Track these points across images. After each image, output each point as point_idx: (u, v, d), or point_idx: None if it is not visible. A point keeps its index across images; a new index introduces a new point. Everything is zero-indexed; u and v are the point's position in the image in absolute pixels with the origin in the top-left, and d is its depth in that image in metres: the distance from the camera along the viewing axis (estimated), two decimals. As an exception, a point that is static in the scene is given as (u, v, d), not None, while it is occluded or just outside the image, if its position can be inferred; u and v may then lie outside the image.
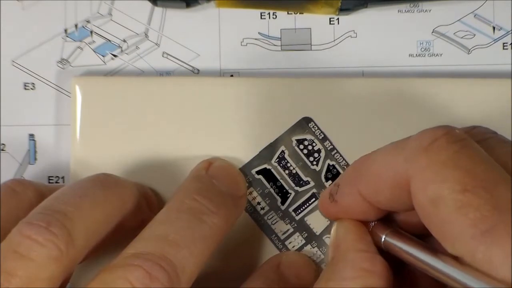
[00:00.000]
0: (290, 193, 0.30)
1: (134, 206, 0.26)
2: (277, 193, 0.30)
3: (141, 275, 0.22)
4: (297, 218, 0.30)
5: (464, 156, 0.20)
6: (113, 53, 0.33)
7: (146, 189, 0.29)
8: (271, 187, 0.30)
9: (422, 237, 0.24)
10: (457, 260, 0.20)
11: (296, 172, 0.30)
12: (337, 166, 0.30)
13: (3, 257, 0.22)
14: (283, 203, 0.30)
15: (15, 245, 0.22)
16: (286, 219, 0.30)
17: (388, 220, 0.25)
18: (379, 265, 0.23)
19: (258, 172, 0.30)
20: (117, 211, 0.25)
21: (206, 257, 0.25)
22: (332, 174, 0.30)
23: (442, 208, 0.20)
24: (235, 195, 0.28)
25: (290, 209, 0.30)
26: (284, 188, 0.30)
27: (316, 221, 0.30)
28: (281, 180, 0.30)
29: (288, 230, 0.30)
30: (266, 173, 0.30)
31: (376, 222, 0.25)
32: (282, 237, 0.30)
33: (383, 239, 0.24)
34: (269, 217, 0.30)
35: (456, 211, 0.19)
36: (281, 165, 0.30)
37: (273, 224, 0.30)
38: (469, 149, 0.21)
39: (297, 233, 0.30)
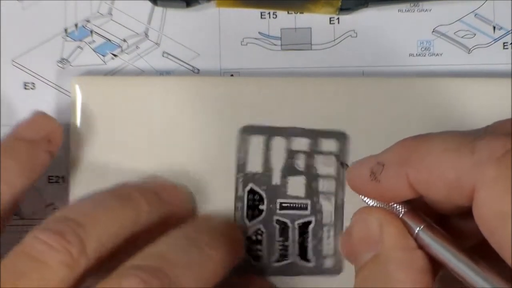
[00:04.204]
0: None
1: (150, 219, 0.27)
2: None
3: (136, 282, 0.23)
4: None
5: None
6: (113, 52, 0.33)
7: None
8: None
9: (445, 217, 0.24)
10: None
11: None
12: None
13: (18, 259, 0.23)
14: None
15: (29, 249, 0.23)
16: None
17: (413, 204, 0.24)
18: (426, 262, 0.23)
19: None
20: (130, 224, 0.26)
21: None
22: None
23: (510, 224, 0.19)
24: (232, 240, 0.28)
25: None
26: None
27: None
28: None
29: None
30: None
31: (405, 210, 0.24)
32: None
33: (416, 232, 0.23)
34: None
35: None
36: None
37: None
38: None
39: None
